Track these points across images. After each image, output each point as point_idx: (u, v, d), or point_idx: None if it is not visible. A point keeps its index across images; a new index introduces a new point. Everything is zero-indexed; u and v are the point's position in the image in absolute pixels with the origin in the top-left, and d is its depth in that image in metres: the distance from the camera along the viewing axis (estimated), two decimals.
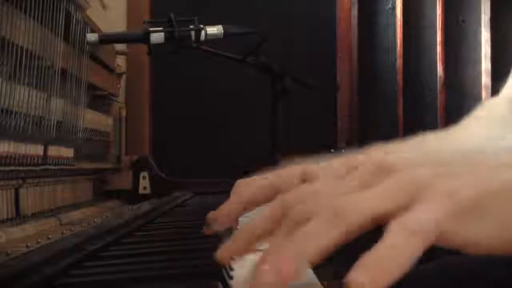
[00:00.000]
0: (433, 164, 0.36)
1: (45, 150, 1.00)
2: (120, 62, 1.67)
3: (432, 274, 0.77)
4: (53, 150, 1.03)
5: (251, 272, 0.33)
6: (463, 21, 2.09)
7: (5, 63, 0.84)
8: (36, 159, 0.96)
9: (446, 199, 0.32)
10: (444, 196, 0.32)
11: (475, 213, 0.33)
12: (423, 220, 0.33)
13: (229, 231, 0.52)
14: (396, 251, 0.32)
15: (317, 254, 0.34)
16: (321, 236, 0.33)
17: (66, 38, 1.08)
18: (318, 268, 0.40)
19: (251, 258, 0.57)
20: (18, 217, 0.90)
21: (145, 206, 1.18)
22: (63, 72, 1.09)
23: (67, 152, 1.11)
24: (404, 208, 0.33)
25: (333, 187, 0.37)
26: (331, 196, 0.35)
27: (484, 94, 2.02)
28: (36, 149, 0.95)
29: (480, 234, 0.33)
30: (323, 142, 1.96)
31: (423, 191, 0.33)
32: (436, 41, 2.09)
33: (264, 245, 0.39)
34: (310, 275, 0.47)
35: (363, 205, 0.34)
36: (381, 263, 0.32)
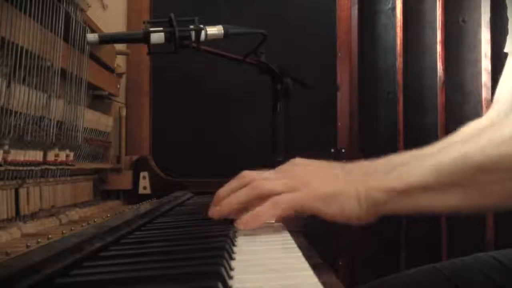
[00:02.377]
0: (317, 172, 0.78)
1: (44, 155, 1.00)
2: (120, 62, 1.67)
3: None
4: (52, 156, 1.03)
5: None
6: (463, 21, 2.09)
7: (5, 63, 0.84)
8: (36, 165, 0.96)
9: (310, 191, 0.72)
10: (310, 190, 0.72)
11: (324, 199, 0.71)
12: (288, 199, 0.72)
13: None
14: (264, 213, 0.72)
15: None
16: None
17: (66, 38, 1.08)
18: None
19: (251, 262, 0.57)
20: (18, 217, 0.90)
21: (145, 206, 1.18)
22: (63, 72, 1.09)
23: (67, 155, 1.11)
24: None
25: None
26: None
27: (484, 93, 2.02)
28: (35, 155, 0.95)
29: (326, 208, 0.71)
30: (323, 142, 1.96)
31: (301, 187, 0.72)
32: (436, 41, 2.08)
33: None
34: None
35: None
36: (254, 218, 0.72)
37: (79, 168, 1.21)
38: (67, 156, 1.10)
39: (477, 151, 0.65)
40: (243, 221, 0.72)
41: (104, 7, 1.74)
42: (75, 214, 1.05)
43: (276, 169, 0.80)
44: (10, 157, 0.86)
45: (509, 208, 0.66)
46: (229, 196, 0.77)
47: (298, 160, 0.83)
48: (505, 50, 1.04)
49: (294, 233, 0.74)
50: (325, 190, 0.72)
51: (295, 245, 0.64)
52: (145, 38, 1.15)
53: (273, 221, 0.81)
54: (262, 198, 0.73)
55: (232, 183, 0.79)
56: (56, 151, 1.05)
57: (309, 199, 0.71)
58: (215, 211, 0.78)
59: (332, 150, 1.94)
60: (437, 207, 0.69)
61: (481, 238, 2.02)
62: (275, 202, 0.72)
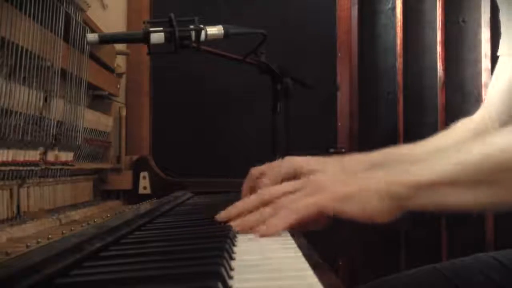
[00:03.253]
0: (335, 177, 0.75)
1: (44, 155, 1.00)
2: (120, 62, 1.67)
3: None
4: (52, 156, 1.03)
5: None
6: (463, 21, 2.09)
7: (5, 63, 0.84)
8: (36, 165, 0.96)
9: (329, 193, 0.70)
10: (329, 192, 0.71)
11: (344, 200, 0.69)
12: (306, 204, 0.70)
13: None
14: (281, 220, 0.70)
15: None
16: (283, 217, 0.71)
17: (66, 38, 1.08)
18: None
19: (251, 262, 0.57)
20: (18, 217, 0.90)
21: (145, 206, 1.18)
22: (63, 72, 1.09)
23: (67, 156, 1.11)
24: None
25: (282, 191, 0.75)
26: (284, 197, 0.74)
27: (484, 93, 2.02)
28: (35, 156, 0.95)
29: (347, 209, 0.69)
30: (323, 142, 1.96)
31: (319, 190, 0.71)
32: (436, 41, 2.08)
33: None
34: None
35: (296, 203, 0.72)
36: (272, 225, 0.70)
37: (79, 168, 1.21)
38: (66, 155, 1.10)
39: (497, 150, 0.65)
40: (261, 229, 0.70)
41: (104, 7, 1.74)
42: (75, 214, 1.05)
43: (285, 183, 0.79)
44: (10, 157, 0.86)
45: None
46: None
47: (291, 158, 0.84)
48: (498, 53, 1.04)
49: (294, 233, 0.74)
50: (344, 190, 0.70)
51: (295, 245, 0.63)
52: (145, 38, 1.15)
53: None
54: (277, 208, 0.72)
55: (249, 197, 0.79)
56: (56, 151, 1.05)
57: (328, 201, 0.70)
58: (224, 216, 0.77)
59: (332, 150, 1.94)
60: (462, 203, 0.68)
61: (481, 238, 2.02)
62: (293, 208, 0.70)
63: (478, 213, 1.98)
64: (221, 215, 0.77)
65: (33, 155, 0.94)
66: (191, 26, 1.19)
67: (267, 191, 0.77)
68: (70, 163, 1.12)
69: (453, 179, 0.67)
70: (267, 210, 0.72)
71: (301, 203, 0.70)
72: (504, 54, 1.03)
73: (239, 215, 0.76)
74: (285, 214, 0.70)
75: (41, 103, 0.97)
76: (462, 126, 1.06)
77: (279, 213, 0.70)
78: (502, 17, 1.02)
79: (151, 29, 1.15)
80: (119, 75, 1.60)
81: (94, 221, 0.91)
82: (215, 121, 2.01)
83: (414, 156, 0.92)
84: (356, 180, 0.72)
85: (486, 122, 1.06)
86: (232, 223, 0.74)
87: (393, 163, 0.88)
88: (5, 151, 0.85)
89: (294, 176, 0.85)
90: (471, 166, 0.67)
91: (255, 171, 0.91)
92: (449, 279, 0.96)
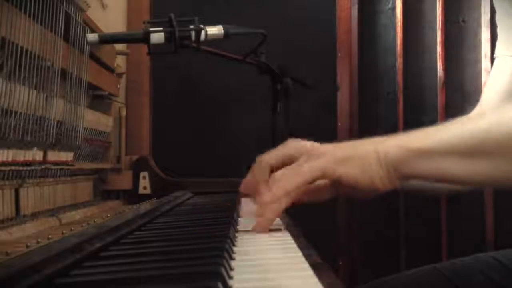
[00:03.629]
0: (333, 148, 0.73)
1: (44, 155, 1.00)
2: (120, 62, 1.67)
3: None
4: (52, 156, 1.03)
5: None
6: (463, 21, 2.09)
7: (5, 63, 0.84)
8: (36, 165, 0.96)
9: (330, 156, 0.70)
10: (329, 155, 0.71)
11: (344, 162, 0.69)
12: (310, 166, 0.71)
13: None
14: (287, 181, 0.71)
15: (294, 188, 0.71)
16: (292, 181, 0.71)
17: (66, 38, 1.08)
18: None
19: (251, 262, 0.57)
20: (18, 217, 0.90)
21: (145, 206, 1.18)
22: (63, 72, 1.09)
23: (67, 156, 1.11)
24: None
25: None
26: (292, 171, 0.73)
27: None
28: (35, 156, 0.95)
29: (348, 171, 0.69)
30: (323, 142, 1.96)
31: (321, 155, 0.71)
32: (436, 41, 2.08)
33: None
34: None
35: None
36: (279, 187, 0.71)
37: (79, 168, 1.21)
38: (66, 155, 1.10)
39: (502, 123, 0.64)
40: (267, 196, 0.71)
41: (104, 7, 1.74)
42: (75, 214, 1.05)
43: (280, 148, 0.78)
44: (10, 157, 0.86)
45: None
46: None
47: (295, 140, 0.81)
48: (495, 55, 1.04)
49: (294, 233, 0.74)
50: (345, 153, 0.70)
51: (295, 245, 0.63)
52: (145, 38, 1.15)
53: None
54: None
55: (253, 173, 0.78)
56: (56, 151, 1.05)
57: (331, 163, 0.70)
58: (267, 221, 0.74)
59: None
60: (462, 174, 0.66)
61: (481, 238, 2.02)
62: (298, 171, 0.70)
63: (477, 189, 1.97)
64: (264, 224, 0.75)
65: (33, 155, 0.94)
66: (191, 26, 1.19)
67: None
68: (70, 163, 1.12)
69: (453, 148, 0.65)
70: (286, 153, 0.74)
71: (307, 166, 0.70)
72: (503, 54, 1.03)
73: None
74: (292, 175, 0.70)
75: (41, 103, 0.97)
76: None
77: (286, 174, 0.71)
78: (501, 18, 1.02)
79: (151, 29, 1.15)
80: (119, 75, 1.60)
81: (94, 221, 0.91)
82: (215, 121, 2.01)
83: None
84: (356, 144, 0.72)
85: None
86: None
87: None
88: (5, 151, 0.85)
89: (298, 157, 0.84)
90: (473, 136, 0.65)
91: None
92: (449, 279, 0.96)
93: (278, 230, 0.77)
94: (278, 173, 0.74)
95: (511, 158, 0.64)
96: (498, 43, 1.04)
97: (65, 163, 1.09)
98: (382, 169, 0.68)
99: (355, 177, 0.69)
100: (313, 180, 0.71)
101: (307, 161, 0.71)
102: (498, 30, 1.03)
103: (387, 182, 0.69)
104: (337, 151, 0.71)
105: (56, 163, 1.05)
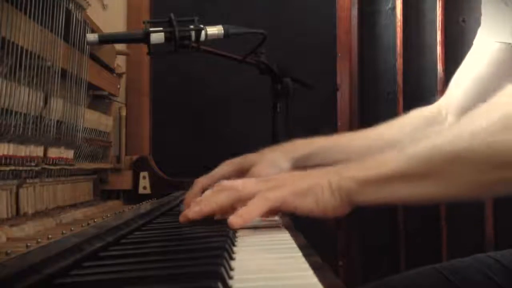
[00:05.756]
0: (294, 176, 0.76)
1: (45, 152, 1.00)
2: (120, 62, 1.67)
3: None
4: (53, 152, 1.03)
5: None
6: (463, 21, 2.09)
7: (5, 63, 0.84)
8: (36, 161, 0.96)
9: (290, 188, 0.73)
10: (289, 187, 0.73)
11: (301, 194, 0.72)
12: (274, 195, 0.73)
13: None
14: (255, 206, 0.73)
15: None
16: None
17: (66, 38, 1.08)
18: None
19: (251, 262, 0.57)
20: (18, 217, 0.90)
21: (145, 206, 1.18)
22: (63, 72, 1.09)
23: (67, 154, 1.11)
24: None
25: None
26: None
27: None
28: (36, 151, 0.95)
29: (304, 203, 0.72)
30: None
31: (281, 185, 0.74)
32: (436, 41, 2.08)
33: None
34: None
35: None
36: (245, 213, 0.73)
37: (79, 168, 1.21)
38: (67, 154, 1.10)
39: (447, 142, 0.65)
40: (234, 218, 0.73)
41: (104, 6, 1.74)
42: (75, 214, 1.05)
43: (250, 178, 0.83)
44: (10, 153, 0.86)
45: (481, 199, 0.69)
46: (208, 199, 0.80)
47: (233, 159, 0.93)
48: (474, 41, 1.05)
49: (294, 233, 0.74)
50: (301, 185, 0.73)
51: (295, 245, 0.64)
52: (145, 38, 1.15)
53: (261, 218, 0.81)
54: (242, 200, 0.74)
55: (210, 191, 0.83)
56: (56, 151, 1.05)
57: (290, 195, 0.72)
58: (195, 212, 0.78)
59: None
60: (412, 197, 0.68)
61: (481, 238, 2.02)
62: (264, 197, 0.73)
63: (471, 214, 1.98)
64: (190, 214, 0.79)
65: (33, 151, 0.94)
66: (191, 26, 1.19)
67: (226, 183, 0.80)
68: (70, 163, 1.12)
69: (402, 173, 0.67)
70: (233, 195, 0.76)
71: (271, 193, 0.73)
72: (485, 39, 1.03)
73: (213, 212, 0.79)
74: (258, 202, 0.73)
75: (41, 103, 0.97)
76: (416, 113, 1.09)
77: (252, 200, 0.73)
78: (488, 3, 1.01)
79: (151, 29, 1.15)
80: (119, 75, 1.60)
81: (94, 221, 0.91)
82: (215, 121, 2.01)
83: (352, 147, 1.03)
84: (311, 175, 0.75)
85: (441, 112, 1.07)
86: (197, 207, 0.79)
87: (328, 152, 1.03)
88: (6, 146, 0.85)
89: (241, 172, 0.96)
90: (417, 158, 0.66)
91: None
92: (449, 279, 0.96)
93: (278, 227, 0.78)
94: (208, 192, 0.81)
95: (449, 179, 0.65)
96: (480, 29, 1.04)
97: (65, 161, 1.09)
98: (336, 199, 0.71)
99: (309, 209, 0.72)
100: (274, 210, 0.74)
101: (269, 189, 0.74)
102: (482, 17, 1.03)
103: (339, 210, 0.71)
104: (297, 182, 0.74)
105: (56, 163, 1.05)
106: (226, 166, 1.01)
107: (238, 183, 0.79)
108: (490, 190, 0.66)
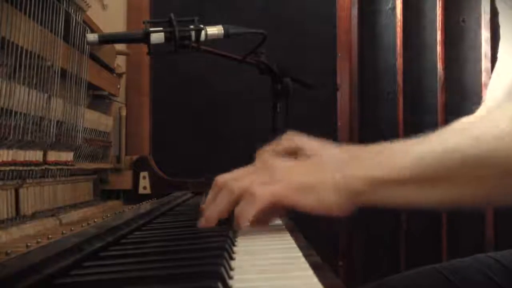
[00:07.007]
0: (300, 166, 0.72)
1: (44, 155, 1.00)
2: (120, 62, 1.67)
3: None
4: (52, 156, 1.03)
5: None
6: (463, 21, 2.09)
7: (5, 63, 0.84)
8: (36, 165, 0.96)
9: (285, 183, 0.68)
10: (285, 182, 0.68)
11: (300, 190, 0.67)
12: (261, 193, 0.68)
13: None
14: (241, 212, 0.69)
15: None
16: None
17: (66, 38, 1.08)
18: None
19: (251, 262, 0.57)
20: (18, 217, 0.90)
21: (145, 206, 1.18)
22: (63, 72, 1.09)
23: (67, 155, 1.11)
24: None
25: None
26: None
27: (484, 93, 2.02)
28: (35, 156, 0.95)
29: (304, 200, 0.67)
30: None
31: (279, 179, 0.69)
32: (436, 41, 2.08)
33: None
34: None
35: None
36: (236, 220, 0.69)
37: (79, 168, 1.21)
38: (66, 155, 1.10)
39: (468, 144, 0.62)
40: (237, 225, 0.70)
41: (104, 7, 1.74)
42: (75, 214, 1.05)
43: (249, 166, 0.76)
44: (10, 157, 0.86)
45: (496, 206, 0.66)
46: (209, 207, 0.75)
47: (292, 135, 0.81)
48: (498, 55, 1.04)
49: (294, 233, 0.74)
50: (301, 180, 0.68)
51: (295, 245, 0.63)
52: (145, 38, 1.15)
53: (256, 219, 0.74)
54: (241, 199, 0.70)
55: (210, 194, 0.77)
56: (56, 154, 1.05)
57: (286, 191, 0.68)
58: (201, 224, 0.75)
59: None
60: (418, 201, 0.66)
61: (481, 238, 2.02)
62: (251, 200, 0.68)
63: (469, 213, 1.98)
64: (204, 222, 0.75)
65: (33, 155, 0.94)
66: (191, 26, 1.19)
67: (219, 180, 0.75)
68: (70, 163, 1.12)
69: (407, 175, 0.64)
70: (228, 198, 0.71)
71: (260, 192, 0.68)
72: (507, 53, 1.02)
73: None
74: (246, 205, 0.68)
75: (41, 103, 0.97)
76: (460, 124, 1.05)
77: (239, 204, 0.69)
78: (501, 20, 1.01)
79: (151, 29, 1.15)
80: (119, 75, 1.60)
81: (94, 221, 0.91)
82: (215, 121, 2.01)
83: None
84: (314, 170, 0.69)
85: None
86: (202, 220, 0.75)
87: None
88: (5, 151, 0.85)
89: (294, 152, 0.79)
90: (431, 160, 0.63)
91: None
92: (449, 279, 0.96)
93: (279, 228, 0.78)
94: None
95: (467, 184, 0.63)
96: (501, 43, 1.03)
97: (65, 163, 1.09)
98: (341, 198, 0.67)
99: (311, 206, 0.67)
100: (267, 209, 0.69)
101: (260, 184, 0.69)
102: (501, 30, 1.03)
103: (344, 209, 0.67)
104: (295, 177, 0.69)
105: (56, 163, 1.05)
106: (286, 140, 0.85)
107: (230, 180, 0.73)
108: (508, 195, 0.63)
